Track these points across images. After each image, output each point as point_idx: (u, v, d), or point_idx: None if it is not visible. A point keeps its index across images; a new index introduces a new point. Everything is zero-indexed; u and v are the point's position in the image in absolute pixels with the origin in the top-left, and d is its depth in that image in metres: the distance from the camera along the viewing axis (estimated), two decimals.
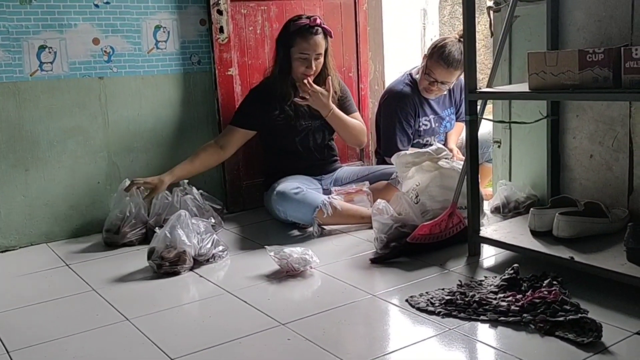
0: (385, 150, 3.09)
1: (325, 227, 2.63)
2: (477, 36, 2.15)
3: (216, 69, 2.97)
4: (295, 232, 2.68)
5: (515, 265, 1.96)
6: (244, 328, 1.77)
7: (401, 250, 2.26)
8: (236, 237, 2.69)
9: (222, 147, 2.84)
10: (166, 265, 2.22)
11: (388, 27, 3.78)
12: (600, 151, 2.33)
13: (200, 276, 2.23)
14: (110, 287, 2.16)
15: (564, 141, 2.44)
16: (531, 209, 2.21)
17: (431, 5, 6.55)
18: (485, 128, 2.87)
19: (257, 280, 2.15)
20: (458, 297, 1.84)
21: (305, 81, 2.79)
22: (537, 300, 1.74)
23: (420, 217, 2.34)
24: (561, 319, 1.65)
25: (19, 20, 2.56)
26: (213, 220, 2.59)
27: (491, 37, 2.66)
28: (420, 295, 1.91)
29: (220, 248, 2.39)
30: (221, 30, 2.95)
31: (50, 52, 2.64)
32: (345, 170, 3.06)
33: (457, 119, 3.24)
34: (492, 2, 2.62)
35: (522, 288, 1.87)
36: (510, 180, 2.69)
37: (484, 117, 2.28)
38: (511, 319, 1.71)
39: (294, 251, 2.17)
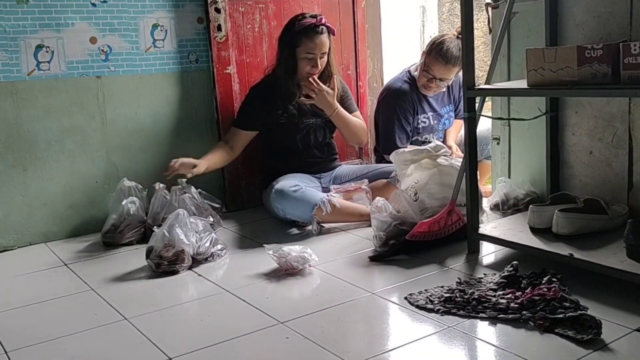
0: (383, 147, 3.08)
1: (324, 225, 2.63)
2: (476, 33, 2.15)
3: (214, 67, 2.97)
4: (294, 231, 2.68)
5: (515, 262, 1.96)
6: (243, 327, 1.77)
7: (400, 248, 2.25)
8: (235, 235, 2.69)
9: (232, 148, 2.88)
10: (164, 265, 2.22)
11: (386, 24, 3.77)
12: (599, 147, 2.33)
13: (199, 275, 2.22)
14: (108, 287, 2.16)
15: (563, 138, 2.43)
16: (530, 206, 2.21)
17: (430, 2, 6.54)
18: (484, 125, 2.86)
19: (256, 279, 2.14)
20: (457, 294, 1.84)
21: (312, 79, 2.78)
22: (537, 298, 1.74)
23: (419, 215, 2.34)
24: (561, 316, 1.64)
25: (16, 19, 2.56)
26: (212, 219, 2.59)
27: (490, 33, 2.65)
28: (420, 293, 1.91)
29: (219, 247, 2.38)
30: (219, 28, 2.95)
31: (47, 52, 2.64)
32: (345, 168, 3.05)
33: (456, 116, 3.24)
34: None
35: (522, 285, 1.86)
36: (509, 177, 2.69)
37: (482, 114, 2.27)
38: (510, 316, 1.71)
39: (293, 249, 2.17)
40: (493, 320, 1.71)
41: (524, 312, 1.70)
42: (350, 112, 2.97)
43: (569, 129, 2.41)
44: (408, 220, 2.30)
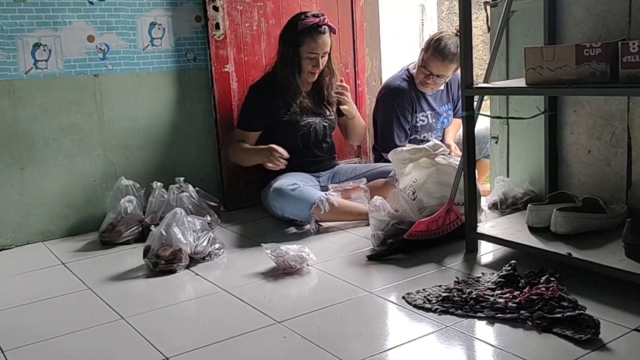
0: (382, 146, 3.08)
1: (322, 223, 2.62)
2: (475, 32, 2.15)
3: (212, 65, 2.96)
4: (292, 230, 2.67)
5: (513, 261, 1.95)
6: (240, 326, 1.77)
7: (398, 247, 2.25)
8: (233, 234, 2.68)
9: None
10: (162, 264, 2.21)
11: (385, 23, 3.76)
12: (598, 146, 2.32)
13: (196, 274, 2.22)
14: (106, 286, 2.15)
15: (562, 136, 2.43)
16: (529, 205, 2.21)
17: (429, 0, 6.53)
18: (483, 124, 2.86)
19: (254, 278, 2.14)
20: (455, 294, 1.83)
21: (343, 86, 2.99)
22: (535, 297, 1.73)
23: (418, 214, 2.34)
24: (559, 315, 1.64)
25: (13, 17, 2.55)
26: (209, 218, 2.58)
27: (488, 32, 2.65)
28: (417, 292, 1.90)
29: (217, 246, 2.38)
30: (217, 26, 2.94)
31: (45, 50, 2.63)
32: (343, 167, 3.05)
33: (454, 115, 3.23)
34: None
35: (520, 284, 1.85)
36: (507, 176, 2.68)
37: (481, 113, 2.26)
38: (508, 315, 1.70)
39: (291, 249, 2.16)
40: (491, 320, 1.71)
41: (522, 312, 1.70)
42: None
43: (568, 127, 2.41)
44: (406, 219, 2.29)
